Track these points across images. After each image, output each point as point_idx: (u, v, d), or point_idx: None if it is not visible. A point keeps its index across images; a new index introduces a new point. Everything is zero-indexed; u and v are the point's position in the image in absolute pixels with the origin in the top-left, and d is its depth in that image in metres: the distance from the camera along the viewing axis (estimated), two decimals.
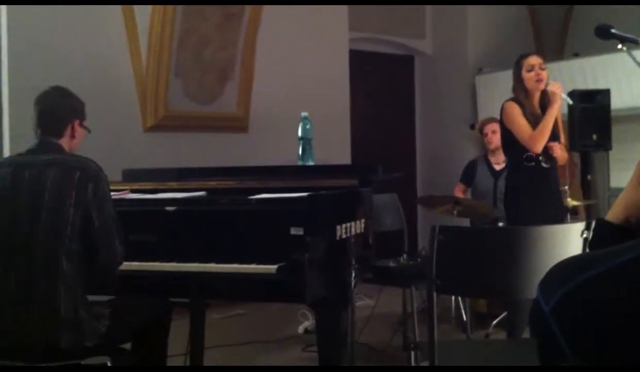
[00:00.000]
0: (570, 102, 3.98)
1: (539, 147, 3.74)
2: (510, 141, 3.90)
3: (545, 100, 3.88)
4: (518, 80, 3.88)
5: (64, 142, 2.55)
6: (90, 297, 2.46)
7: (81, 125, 2.61)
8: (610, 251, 0.89)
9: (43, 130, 2.52)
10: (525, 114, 3.80)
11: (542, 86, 3.84)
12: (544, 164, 3.83)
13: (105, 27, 5.18)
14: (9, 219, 2.36)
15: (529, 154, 3.80)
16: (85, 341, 2.36)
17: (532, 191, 3.82)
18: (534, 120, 3.80)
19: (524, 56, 3.92)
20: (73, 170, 2.39)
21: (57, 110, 2.56)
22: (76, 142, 2.60)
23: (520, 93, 3.88)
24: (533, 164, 3.82)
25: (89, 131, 2.67)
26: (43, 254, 2.32)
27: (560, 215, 4.09)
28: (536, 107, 3.87)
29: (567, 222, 4.09)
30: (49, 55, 4.81)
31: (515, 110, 3.83)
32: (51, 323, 2.30)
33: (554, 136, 3.86)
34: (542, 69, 3.84)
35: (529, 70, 3.83)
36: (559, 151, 3.88)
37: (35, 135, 2.54)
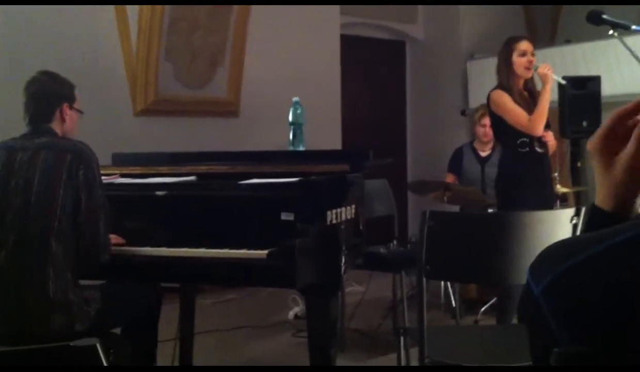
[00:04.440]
0: (563, 82, 3.98)
1: (539, 130, 3.71)
2: (501, 129, 3.85)
3: (530, 84, 3.86)
4: (506, 63, 3.81)
5: (56, 126, 2.55)
6: (82, 282, 2.46)
7: (71, 108, 2.60)
8: (603, 232, 0.89)
9: (31, 117, 2.53)
10: (514, 100, 3.78)
11: (530, 74, 3.81)
12: (538, 149, 3.79)
13: (95, 11, 5.13)
14: (1, 202, 2.37)
15: (522, 139, 3.76)
16: (76, 324, 2.37)
17: (528, 178, 3.79)
18: (525, 104, 3.77)
19: (516, 39, 3.85)
20: (65, 153, 2.41)
21: (43, 96, 2.54)
22: (69, 125, 2.60)
23: (506, 77, 3.81)
24: (527, 149, 3.78)
25: (81, 113, 2.66)
26: (33, 235, 2.34)
27: (551, 202, 4.08)
28: (523, 90, 3.84)
29: (557, 208, 4.10)
30: (39, 39, 4.76)
31: (505, 98, 3.79)
32: (41, 305, 2.32)
33: (546, 124, 3.84)
34: (533, 56, 3.80)
35: (521, 56, 3.77)
36: (552, 139, 3.88)
37: (25, 122, 2.54)
